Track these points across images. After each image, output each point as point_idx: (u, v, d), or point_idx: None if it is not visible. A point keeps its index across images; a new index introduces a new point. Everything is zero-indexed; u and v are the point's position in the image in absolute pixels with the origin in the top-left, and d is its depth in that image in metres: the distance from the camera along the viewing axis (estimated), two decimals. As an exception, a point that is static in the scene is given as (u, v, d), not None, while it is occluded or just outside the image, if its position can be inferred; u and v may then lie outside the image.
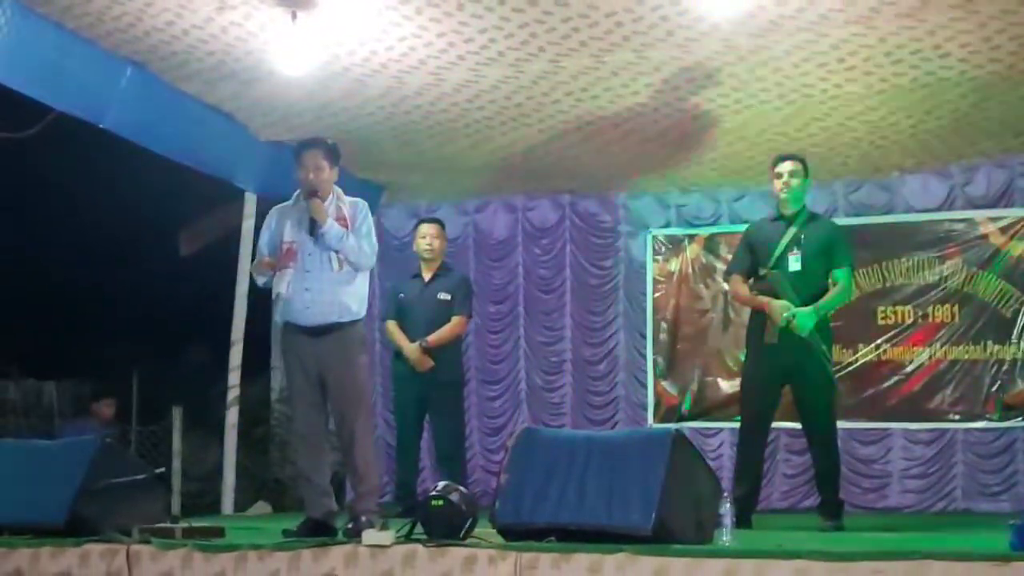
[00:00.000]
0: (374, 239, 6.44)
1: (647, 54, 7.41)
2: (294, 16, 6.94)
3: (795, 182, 7.38)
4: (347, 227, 6.30)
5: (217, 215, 11.22)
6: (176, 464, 8.41)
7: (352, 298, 6.32)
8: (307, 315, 6.29)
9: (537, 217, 10.78)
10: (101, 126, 7.70)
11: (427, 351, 8.40)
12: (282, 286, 6.33)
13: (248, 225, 9.37)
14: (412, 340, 8.45)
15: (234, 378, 9.58)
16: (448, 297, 8.56)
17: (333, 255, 6.28)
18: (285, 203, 6.55)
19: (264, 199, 8.89)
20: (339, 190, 6.47)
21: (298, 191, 6.44)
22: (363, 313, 6.41)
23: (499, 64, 7.58)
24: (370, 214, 6.49)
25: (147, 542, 5.65)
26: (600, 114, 8.43)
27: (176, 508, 7.59)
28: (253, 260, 6.85)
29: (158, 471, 6.42)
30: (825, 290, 7.34)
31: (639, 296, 10.47)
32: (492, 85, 7.94)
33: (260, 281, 6.54)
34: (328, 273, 6.27)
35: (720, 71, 7.70)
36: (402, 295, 8.72)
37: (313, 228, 6.26)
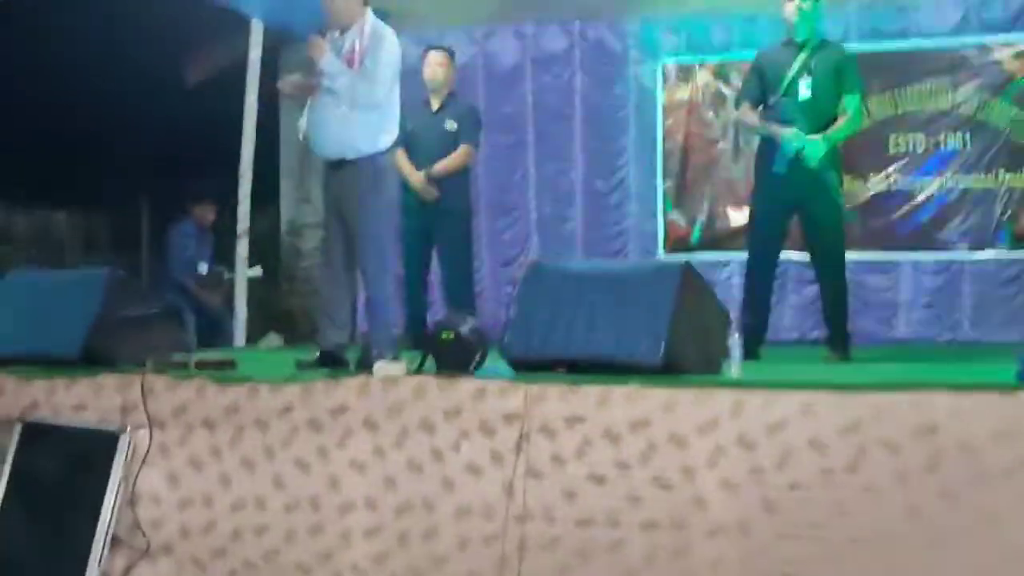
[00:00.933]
0: (381, 75, 6.22)
1: None
2: None
3: (807, 5, 7.27)
4: (355, 62, 6.21)
5: (222, 43, 11.09)
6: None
7: (359, 137, 6.21)
8: (321, 149, 6.32)
9: (547, 44, 10.61)
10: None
11: (433, 180, 8.37)
12: (303, 120, 6.39)
13: (255, 54, 9.27)
14: (419, 169, 8.41)
15: (243, 210, 9.58)
16: (455, 126, 8.50)
17: (337, 93, 6.21)
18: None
19: (271, 27, 8.77)
20: (371, 20, 6.32)
21: None
22: (378, 147, 6.24)
23: None
24: (385, 47, 6.26)
25: (162, 372, 5.70)
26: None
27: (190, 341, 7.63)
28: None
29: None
30: (835, 117, 7.28)
31: (650, 125, 10.38)
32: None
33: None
34: (332, 110, 6.22)
35: None
36: (409, 125, 8.63)
37: (310, 66, 6.20)
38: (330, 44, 6.26)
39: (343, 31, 6.29)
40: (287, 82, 6.57)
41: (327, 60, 6.17)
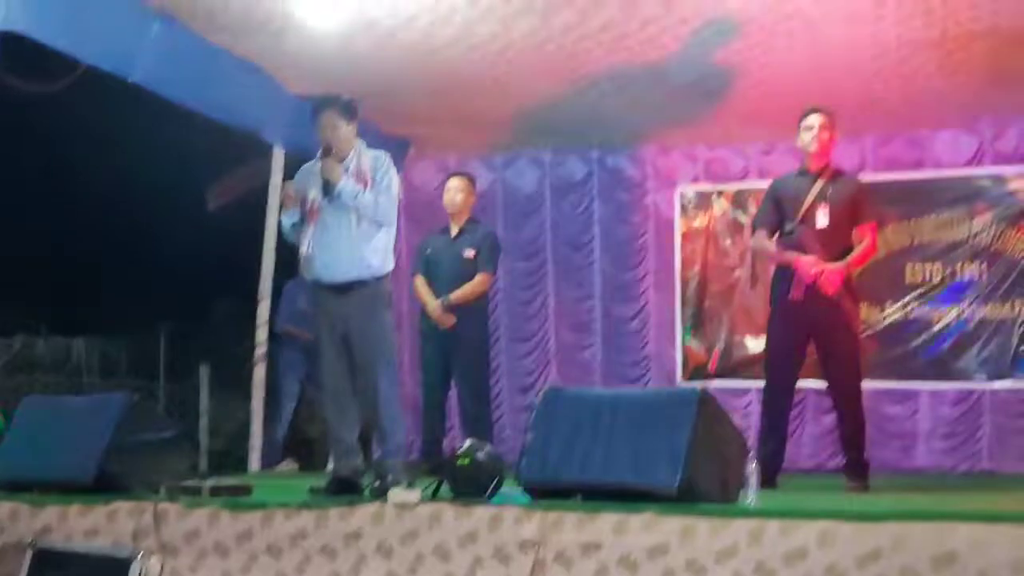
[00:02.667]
0: (394, 193, 6.42)
1: (674, 6, 7.35)
2: (323, -34, 6.91)
3: (824, 135, 7.34)
4: (366, 183, 6.30)
5: (245, 169, 11.20)
6: (203, 422, 8.46)
7: (374, 254, 6.32)
8: (329, 272, 6.32)
9: (565, 172, 10.71)
10: (129, 80, 7.69)
11: (450, 308, 8.39)
12: (304, 245, 6.37)
13: (276, 180, 9.34)
14: (438, 296, 8.45)
15: (261, 335, 9.59)
16: (473, 253, 8.54)
17: (351, 212, 6.28)
18: (311, 162, 6.54)
19: (292, 153, 8.87)
20: (361, 145, 6.47)
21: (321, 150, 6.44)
22: (387, 269, 6.41)
23: (528, 15, 7.52)
24: (392, 168, 6.47)
25: (174, 500, 5.69)
26: (628, 66, 8.35)
27: (203, 466, 7.63)
28: (280, 215, 6.83)
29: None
30: (851, 246, 7.30)
31: (668, 253, 10.42)
32: (521, 36, 7.87)
33: (286, 224, 6.54)
34: (347, 230, 6.28)
35: (748, 23, 7.63)
36: (429, 250, 8.72)
37: (327, 188, 6.26)
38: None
39: (342, 159, 6.38)
40: (291, 196, 6.56)
41: (345, 181, 6.25)
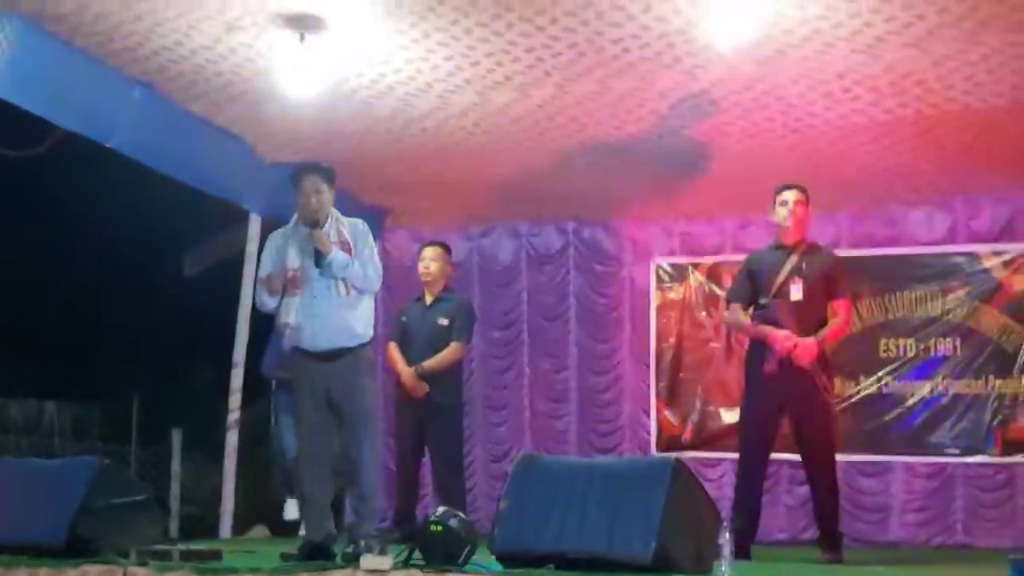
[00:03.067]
0: (377, 260, 6.44)
1: (652, 81, 7.44)
2: (302, 38, 6.95)
3: (799, 211, 7.38)
4: (349, 251, 6.31)
5: (222, 236, 11.21)
6: (175, 487, 8.41)
7: (358, 322, 6.33)
8: (316, 341, 6.29)
9: (541, 243, 10.77)
10: (108, 145, 7.71)
11: (423, 376, 8.39)
12: (290, 315, 6.32)
13: (252, 247, 9.37)
14: (411, 364, 8.45)
15: (235, 401, 9.57)
16: (448, 322, 8.55)
17: (339, 281, 6.28)
18: (285, 227, 6.53)
19: (269, 221, 8.89)
20: (337, 212, 6.47)
21: (296, 215, 6.43)
22: (370, 336, 6.41)
23: (505, 88, 7.61)
24: (371, 235, 6.49)
25: (144, 564, 5.63)
26: (605, 140, 8.45)
27: (174, 530, 7.57)
28: (255, 282, 6.80)
29: None
30: (825, 320, 7.33)
31: (643, 325, 10.46)
32: (498, 109, 7.96)
33: (262, 299, 6.50)
34: (335, 299, 6.27)
35: (725, 99, 7.72)
36: (404, 318, 8.72)
37: (319, 259, 6.26)
38: None
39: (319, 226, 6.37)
40: (262, 280, 6.53)
41: (335, 251, 6.26)
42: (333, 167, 6.52)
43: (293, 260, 6.35)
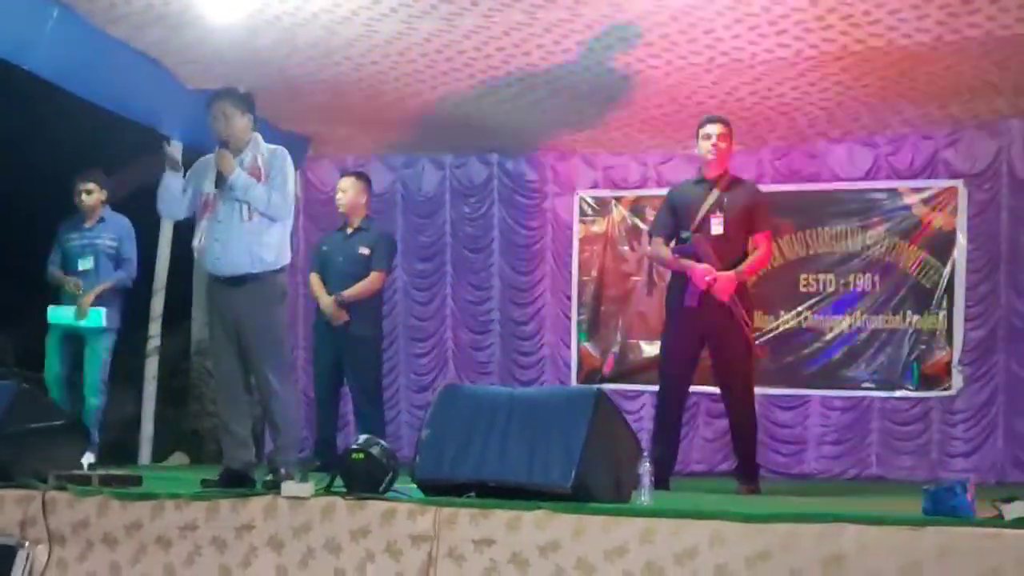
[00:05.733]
0: (290, 189, 6.32)
1: (580, 11, 7.40)
2: (225, -39, 6.86)
3: (722, 144, 7.41)
4: (261, 177, 6.24)
5: (141, 162, 11.06)
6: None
7: (267, 249, 6.23)
8: (220, 265, 6.22)
9: (465, 175, 10.74)
10: (24, 67, 7.57)
11: (343, 305, 8.39)
12: (197, 237, 6.31)
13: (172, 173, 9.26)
14: (332, 293, 8.44)
15: (154, 328, 9.51)
16: (368, 251, 8.54)
17: (244, 205, 6.19)
18: (207, 156, 6.46)
19: (190, 147, 8.78)
20: (259, 139, 6.39)
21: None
22: (281, 263, 6.31)
23: (431, 17, 7.53)
24: (288, 163, 6.37)
25: (63, 489, 5.61)
26: (531, 71, 8.40)
27: (93, 457, 7.53)
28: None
29: None
30: (746, 254, 7.39)
31: (566, 257, 10.49)
32: (424, 38, 7.89)
33: (161, 207, 6.51)
34: (238, 224, 6.19)
35: (650, 31, 7.69)
36: (325, 247, 8.73)
37: (219, 179, 6.20)
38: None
39: (238, 152, 6.31)
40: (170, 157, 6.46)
41: (237, 173, 6.18)
42: (252, 93, 6.44)
43: (207, 185, 6.29)
